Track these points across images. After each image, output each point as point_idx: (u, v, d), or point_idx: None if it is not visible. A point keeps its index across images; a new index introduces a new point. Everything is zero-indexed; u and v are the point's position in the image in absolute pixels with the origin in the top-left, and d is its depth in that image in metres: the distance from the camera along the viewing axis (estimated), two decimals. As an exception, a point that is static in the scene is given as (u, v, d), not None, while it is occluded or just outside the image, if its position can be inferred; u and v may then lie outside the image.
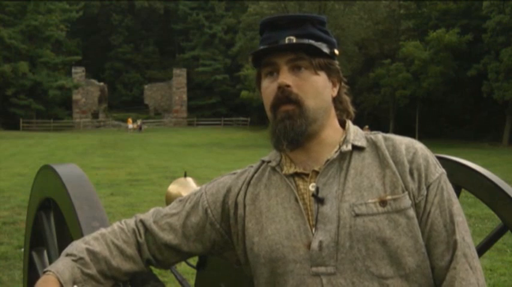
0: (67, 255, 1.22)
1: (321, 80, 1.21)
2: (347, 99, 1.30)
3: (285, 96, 1.18)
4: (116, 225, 1.31)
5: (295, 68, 1.20)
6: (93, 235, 1.27)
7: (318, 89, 1.20)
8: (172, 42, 63.03)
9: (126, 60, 60.62)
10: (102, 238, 1.26)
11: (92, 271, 1.21)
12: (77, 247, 1.23)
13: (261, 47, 1.21)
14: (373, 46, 37.19)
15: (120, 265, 1.25)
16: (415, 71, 34.05)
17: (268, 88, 1.22)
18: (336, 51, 1.26)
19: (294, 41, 1.19)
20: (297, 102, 1.18)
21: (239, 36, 50.38)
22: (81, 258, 1.21)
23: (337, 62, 1.26)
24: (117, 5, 61.93)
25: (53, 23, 48.59)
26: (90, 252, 1.22)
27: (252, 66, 1.28)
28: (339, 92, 1.27)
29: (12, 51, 45.54)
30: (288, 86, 1.18)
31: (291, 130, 1.18)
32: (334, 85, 1.26)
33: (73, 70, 51.66)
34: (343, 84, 1.28)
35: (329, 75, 1.24)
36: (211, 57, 57.01)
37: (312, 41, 1.20)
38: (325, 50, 1.22)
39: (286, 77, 1.19)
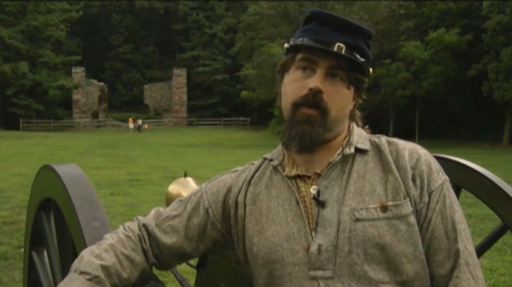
0: (81, 273, 1.17)
1: (349, 94, 1.21)
2: (358, 114, 1.30)
3: (315, 100, 1.16)
4: (121, 233, 1.27)
5: (330, 75, 1.18)
6: (103, 247, 1.22)
7: (344, 102, 1.20)
8: (172, 42, 63.01)
9: (126, 60, 60.62)
10: (112, 249, 1.22)
11: None
12: (90, 263, 1.18)
13: (306, 40, 1.18)
14: (373, 46, 36.75)
15: (130, 275, 1.22)
16: (415, 71, 34.02)
17: (298, 82, 1.19)
18: (370, 70, 1.25)
19: (343, 50, 1.15)
20: (323, 110, 1.17)
21: (239, 36, 50.37)
22: (96, 276, 1.16)
23: (367, 81, 1.25)
24: (117, 5, 61.91)
25: (53, 23, 48.57)
26: (104, 268, 1.18)
27: (285, 51, 1.24)
28: (354, 106, 1.27)
29: (12, 51, 45.52)
30: (321, 91, 1.16)
31: (308, 136, 1.16)
32: (353, 99, 1.25)
33: (73, 70, 51.65)
34: (359, 100, 1.28)
35: (355, 92, 1.23)
36: (211, 57, 57.01)
37: (358, 56, 1.18)
38: (364, 67, 1.20)
39: (321, 82, 1.16)
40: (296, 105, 1.18)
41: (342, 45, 1.15)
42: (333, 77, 1.18)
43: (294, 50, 1.22)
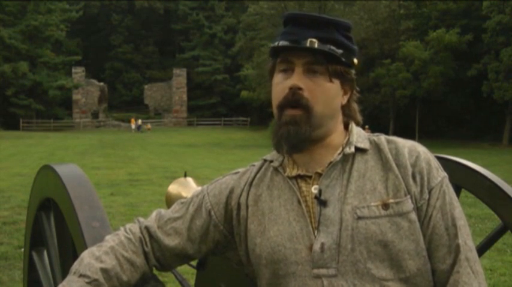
0: (80, 276, 1.17)
1: (333, 88, 1.20)
2: (356, 107, 1.28)
3: (295, 99, 1.17)
4: (122, 235, 1.27)
5: (310, 71, 1.18)
6: (103, 249, 1.22)
7: (328, 96, 1.19)
8: (172, 42, 63.03)
9: (126, 60, 60.64)
10: (112, 252, 1.22)
11: None
12: (89, 266, 1.18)
13: (281, 42, 1.20)
14: (373, 46, 37.18)
15: (130, 278, 1.22)
16: (415, 71, 34.05)
17: (280, 85, 1.20)
18: (355, 60, 1.24)
19: (316, 45, 1.16)
20: (306, 108, 1.17)
21: (239, 36, 50.43)
22: (95, 280, 1.16)
23: (353, 71, 1.24)
24: (117, 5, 61.93)
25: (53, 23, 48.61)
26: (104, 271, 1.18)
27: (269, 56, 1.26)
28: (349, 100, 1.26)
29: (12, 51, 45.55)
30: (300, 89, 1.17)
31: (295, 136, 1.17)
32: (345, 93, 1.24)
33: (73, 70, 51.67)
34: (354, 92, 1.27)
35: (342, 84, 1.22)
36: (211, 57, 57.02)
37: (333, 47, 1.18)
38: (344, 58, 1.20)
39: (299, 79, 1.17)
40: (281, 108, 1.20)
41: (314, 40, 1.17)
42: (313, 74, 1.18)
43: (275, 55, 1.24)
